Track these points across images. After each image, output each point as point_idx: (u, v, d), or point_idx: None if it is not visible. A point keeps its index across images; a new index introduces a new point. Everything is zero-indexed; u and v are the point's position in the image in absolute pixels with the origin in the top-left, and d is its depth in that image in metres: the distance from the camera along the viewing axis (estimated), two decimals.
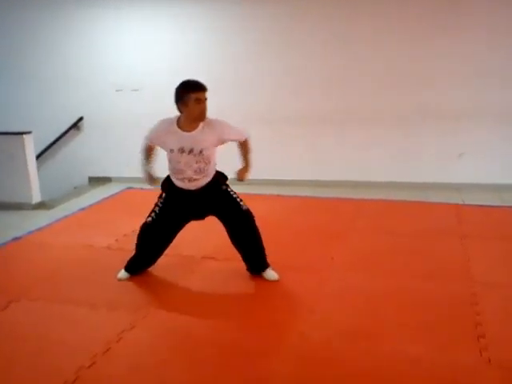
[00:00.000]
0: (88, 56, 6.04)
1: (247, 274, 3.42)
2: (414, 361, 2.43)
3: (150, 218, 3.31)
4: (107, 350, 2.58)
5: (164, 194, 3.30)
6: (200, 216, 3.30)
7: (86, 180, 6.47)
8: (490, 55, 5.06)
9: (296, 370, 2.39)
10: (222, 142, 3.13)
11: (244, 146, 3.29)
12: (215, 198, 3.22)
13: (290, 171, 5.78)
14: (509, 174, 5.26)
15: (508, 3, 4.91)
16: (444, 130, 5.34)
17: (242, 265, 3.43)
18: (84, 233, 4.45)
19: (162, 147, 3.18)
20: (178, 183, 3.18)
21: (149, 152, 3.34)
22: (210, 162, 3.11)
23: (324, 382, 2.31)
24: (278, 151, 5.70)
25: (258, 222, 3.31)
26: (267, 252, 3.38)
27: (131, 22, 5.87)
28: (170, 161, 3.13)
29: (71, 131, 6.30)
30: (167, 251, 3.92)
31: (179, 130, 3.04)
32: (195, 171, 3.09)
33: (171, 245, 4.08)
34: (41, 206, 5.33)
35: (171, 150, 3.06)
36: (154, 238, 3.35)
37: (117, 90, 6.05)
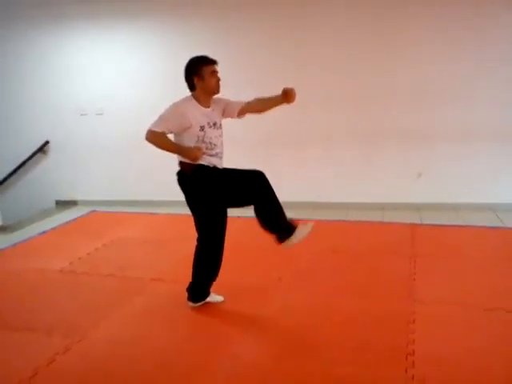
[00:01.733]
0: (52, 81, 6.10)
1: None
2: (338, 380, 2.44)
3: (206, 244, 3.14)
4: (34, 374, 2.57)
5: (200, 191, 3.05)
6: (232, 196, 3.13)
7: (54, 203, 6.46)
8: (446, 75, 5.16)
9: None
10: (226, 113, 3.15)
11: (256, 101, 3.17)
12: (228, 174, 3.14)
13: None
14: (466, 192, 5.32)
15: (456, 19, 5.03)
16: (402, 149, 5.41)
17: (181, 286, 3.41)
18: (39, 256, 4.44)
19: (185, 129, 2.93)
20: (214, 161, 3.04)
21: (166, 137, 2.97)
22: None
23: None
24: None
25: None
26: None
27: (95, 47, 5.94)
28: (200, 142, 2.97)
29: (37, 155, 6.32)
30: (115, 272, 3.97)
31: (201, 107, 3.00)
32: (221, 145, 3.11)
33: (120, 266, 4.13)
34: (1, 229, 5.31)
35: (202, 128, 2.95)
36: (218, 245, 3.17)
37: (81, 115, 6.10)
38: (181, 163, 3.06)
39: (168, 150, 3.00)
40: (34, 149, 6.27)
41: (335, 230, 4.89)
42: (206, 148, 2.98)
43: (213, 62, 3.01)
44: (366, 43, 5.27)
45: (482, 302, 3.21)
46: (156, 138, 2.91)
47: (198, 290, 3.26)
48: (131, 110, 5.94)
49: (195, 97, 3.01)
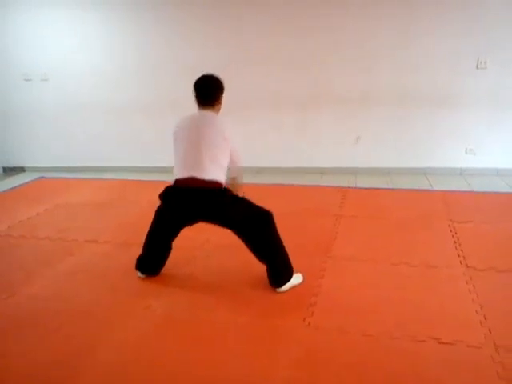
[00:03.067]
0: None
1: (119, 254, 3.62)
2: (240, 327, 2.65)
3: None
4: None
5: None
6: None
7: (1, 170, 6.48)
8: (380, 40, 5.31)
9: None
10: None
11: None
12: None
13: None
14: (400, 157, 5.57)
15: None
16: (340, 114, 5.58)
17: (113, 247, 3.54)
18: None
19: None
20: None
21: None
22: None
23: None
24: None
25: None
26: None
27: (39, 11, 5.88)
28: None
29: None
30: (52, 235, 4.10)
31: None
32: None
33: (58, 229, 4.26)
34: None
35: None
36: None
37: (26, 80, 6.07)
38: (217, 184, 2.91)
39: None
40: None
41: (272, 193, 5.05)
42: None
43: None
44: (304, 8, 5.36)
45: (390, 258, 3.46)
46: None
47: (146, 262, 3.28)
48: (76, 77, 5.95)
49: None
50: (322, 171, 5.70)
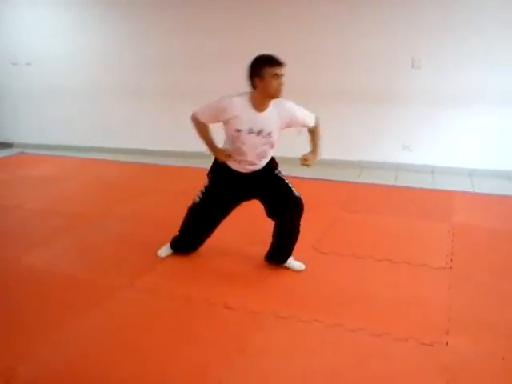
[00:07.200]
0: None
1: (37, 220, 4.13)
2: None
3: (197, 198, 3.13)
4: None
5: (212, 176, 3.10)
6: (248, 198, 3.11)
7: None
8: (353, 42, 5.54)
9: None
10: (290, 126, 2.91)
11: (314, 132, 3.03)
12: (268, 182, 3.05)
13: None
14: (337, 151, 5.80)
15: None
16: None
17: (33, 214, 4.08)
18: None
19: (224, 123, 2.86)
20: (235, 166, 2.99)
21: (206, 128, 2.99)
22: (273, 146, 2.95)
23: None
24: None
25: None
26: None
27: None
28: (232, 141, 2.90)
29: None
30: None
31: (252, 109, 2.79)
32: (257, 155, 2.93)
33: None
34: None
35: (238, 130, 2.82)
36: (200, 218, 3.20)
37: (12, 64, 6.76)
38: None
39: (203, 141, 3.03)
40: None
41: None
42: (235, 152, 2.93)
43: (277, 64, 2.75)
44: None
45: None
46: (196, 124, 2.96)
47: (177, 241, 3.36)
48: (58, 62, 6.60)
49: (252, 97, 2.80)
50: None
